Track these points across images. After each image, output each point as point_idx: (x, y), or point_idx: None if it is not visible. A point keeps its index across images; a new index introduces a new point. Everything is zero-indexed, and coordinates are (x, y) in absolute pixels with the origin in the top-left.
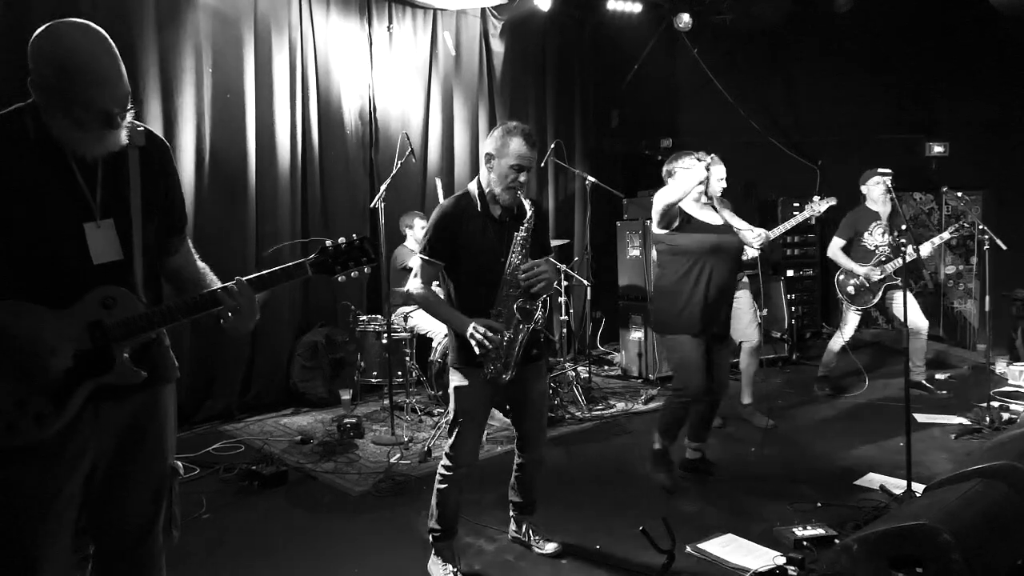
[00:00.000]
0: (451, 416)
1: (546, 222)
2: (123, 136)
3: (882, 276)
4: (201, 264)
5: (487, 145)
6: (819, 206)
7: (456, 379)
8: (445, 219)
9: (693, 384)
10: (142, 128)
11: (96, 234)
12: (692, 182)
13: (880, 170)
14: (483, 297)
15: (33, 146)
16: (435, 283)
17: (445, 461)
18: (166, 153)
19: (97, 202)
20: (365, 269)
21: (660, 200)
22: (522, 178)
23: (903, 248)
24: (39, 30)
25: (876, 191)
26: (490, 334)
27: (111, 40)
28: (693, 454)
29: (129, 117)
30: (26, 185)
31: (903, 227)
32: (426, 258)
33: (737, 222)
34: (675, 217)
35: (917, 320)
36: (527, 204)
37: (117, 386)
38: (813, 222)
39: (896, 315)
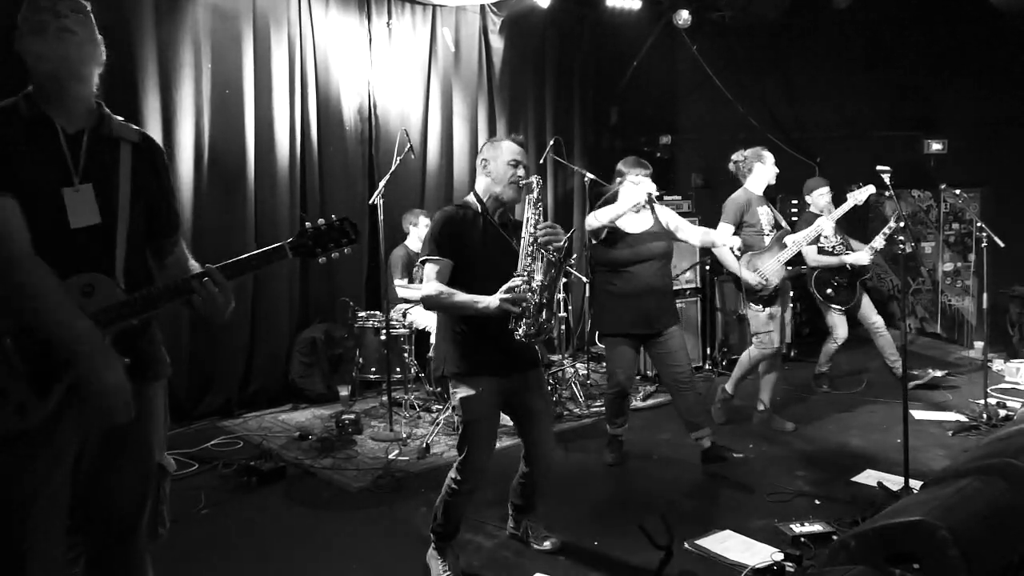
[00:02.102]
0: (461, 430)
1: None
2: (83, 55)
3: (853, 266)
4: (194, 264)
5: (480, 155)
6: (861, 193)
7: (461, 390)
8: (450, 221)
9: (616, 378)
10: (137, 128)
11: (74, 197)
12: (628, 204)
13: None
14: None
15: (24, 122)
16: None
17: (454, 475)
18: (159, 154)
19: (79, 169)
20: (346, 250)
21: (602, 217)
22: (521, 172)
23: (901, 246)
24: None
25: (821, 201)
26: (520, 290)
27: None
28: (705, 443)
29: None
30: (13, 155)
31: (901, 224)
32: (435, 257)
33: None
34: (605, 228)
35: (875, 317)
36: (532, 177)
37: None
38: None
39: (860, 315)
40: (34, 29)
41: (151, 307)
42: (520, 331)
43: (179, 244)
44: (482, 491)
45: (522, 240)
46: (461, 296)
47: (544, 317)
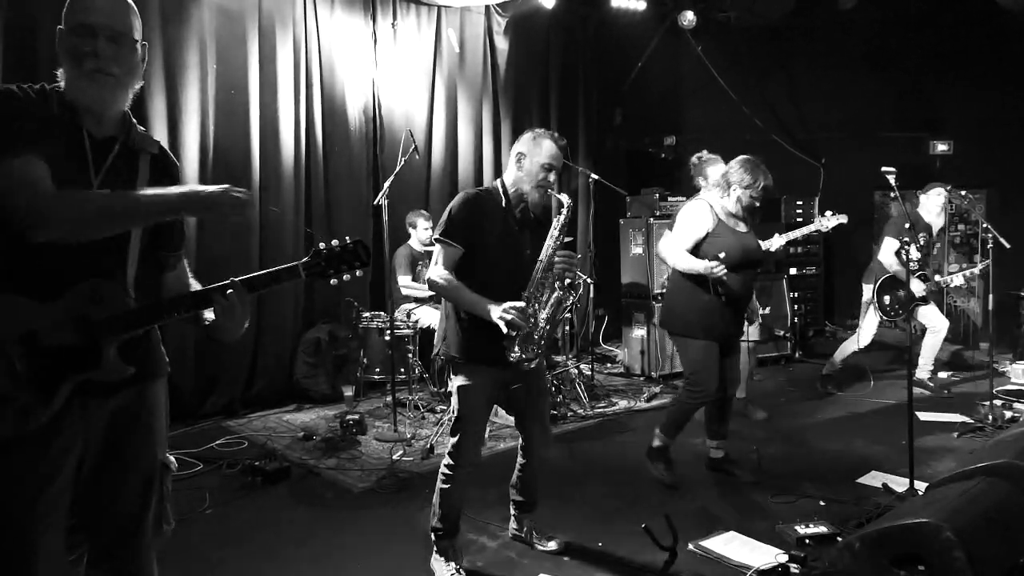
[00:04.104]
0: (454, 416)
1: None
2: (117, 92)
3: (922, 292)
4: (194, 282)
5: (518, 146)
6: (828, 222)
7: (459, 378)
8: (469, 205)
9: (710, 385)
10: (156, 140)
11: None
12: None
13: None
14: (498, 293)
15: (54, 119)
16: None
17: (448, 460)
18: (174, 168)
19: (99, 177)
20: (358, 273)
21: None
22: (551, 177)
23: (906, 250)
24: None
25: (932, 203)
26: (520, 316)
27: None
28: (716, 453)
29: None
30: (40, 141)
31: (907, 226)
32: (446, 241)
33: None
34: None
35: (938, 319)
36: (563, 198)
37: (105, 381)
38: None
39: (920, 320)
40: (70, 54)
41: (161, 317)
42: (513, 353)
43: (182, 260)
44: (483, 490)
45: (538, 261)
46: (467, 293)
47: (539, 345)
